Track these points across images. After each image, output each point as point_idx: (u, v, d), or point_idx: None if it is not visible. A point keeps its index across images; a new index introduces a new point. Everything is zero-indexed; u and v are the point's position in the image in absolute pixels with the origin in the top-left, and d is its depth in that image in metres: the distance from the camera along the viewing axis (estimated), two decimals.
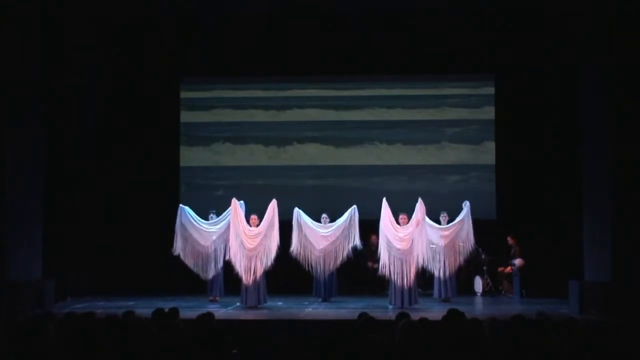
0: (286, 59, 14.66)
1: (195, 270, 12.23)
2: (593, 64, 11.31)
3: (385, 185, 14.74)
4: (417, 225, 11.61)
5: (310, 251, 12.18)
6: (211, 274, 12.24)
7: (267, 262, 11.68)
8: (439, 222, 12.58)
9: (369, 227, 13.60)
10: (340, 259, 12.19)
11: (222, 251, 12.14)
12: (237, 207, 11.77)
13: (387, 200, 11.95)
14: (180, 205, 12.63)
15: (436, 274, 12.35)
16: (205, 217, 12.53)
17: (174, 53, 14.61)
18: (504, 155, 14.61)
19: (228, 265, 12.24)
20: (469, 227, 12.35)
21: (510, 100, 14.51)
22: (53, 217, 12.42)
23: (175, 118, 15.07)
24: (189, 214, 12.30)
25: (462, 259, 12.46)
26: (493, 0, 13.51)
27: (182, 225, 12.23)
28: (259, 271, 11.68)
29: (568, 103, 12.93)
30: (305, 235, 12.10)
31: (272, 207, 11.75)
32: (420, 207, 11.66)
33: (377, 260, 12.09)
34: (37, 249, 11.61)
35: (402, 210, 12.03)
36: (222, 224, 12.18)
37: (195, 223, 12.25)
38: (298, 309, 11.66)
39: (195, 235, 12.21)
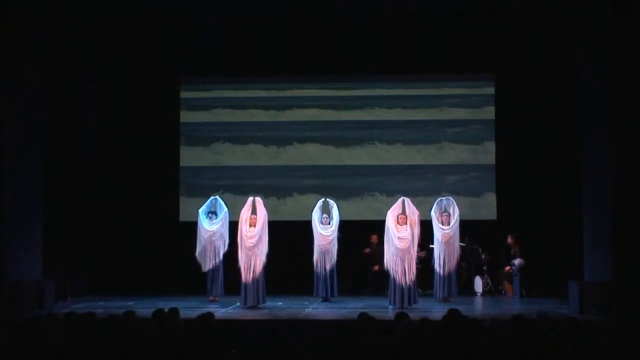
0: (286, 59, 14.66)
1: (198, 258, 12.34)
2: (593, 63, 11.31)
3: (385, 185, 14.76)
4: (412, 226, 11.64)
5: (314, 247, 12.36)
6: (207, 267, 12.35)
7: (264, 260, 11.76)
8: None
9: (369, 227, 13.66)
10: (335, 252, 12.29)
11: (220, 248, 12.30)
12: (250, 206, 11.88)
13: (388, 202, 11.98)
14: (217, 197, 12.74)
15: (437, 270, 12.37)
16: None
17: (174, 53, 14.61)
18: (504, 155, 14.62)
19: (228, 265, 12.28)
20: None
21: (510, 100, 14.51)
22: (53, 217, 12.42)
23: (175, 118, 15.08)
24: (205, 206, 12.52)
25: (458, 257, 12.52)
26: (494, 0, 13.52)
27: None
28: (258, 269, 11.72)
29: (568, 103, 12.93)
30: (313, 232, 12.33)
31: (260, 204, 11.89)
32: (408, 207, 11.71)
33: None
34: (37, 249, 11.59)
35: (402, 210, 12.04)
36: (220, 223, 12.34)
37: (200, 216, 12.41)
38: (298, 309, 11.66)
39: (200, 227, 12.39)
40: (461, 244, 12.80)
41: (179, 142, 15.08)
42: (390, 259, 11.69)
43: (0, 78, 10.95)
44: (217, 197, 12.75)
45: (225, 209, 12.44)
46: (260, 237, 11.76)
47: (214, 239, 12.31)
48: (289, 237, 13.16)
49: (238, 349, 6.28)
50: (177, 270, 13.76)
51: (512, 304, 12.62)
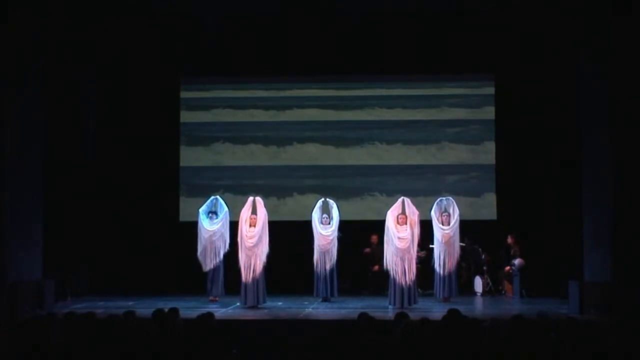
0: (286, 59, 14.66)
1: (199, 258, 12.32)
2: (593, 63, 11.31)
3: (385, 185, 14.76)
4: (412, 226, 11.63)
5: (314, 247, 12.34)
6: (208, 267, 12.34)
7: (264, 260, 11.77)
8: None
9: (370, 227, 13.66)
10: (335, 252, 12.28)
11: (221, 248, 12.31)
12: (250, 206, 11.87)
13: (388, 202, 11.97)
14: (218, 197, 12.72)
15: (437, 270, 12.36)
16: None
17: (174, 53, 14.61)
18: (504, 155, 14.62)
19: (228, 265, 12.28)
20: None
21: (510, 100, 14.51)
22: (53, 217, 12.42)
23: (175, 118, 15.08)
24: (205, 206, 12.51)
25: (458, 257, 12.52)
26: (494, 0, 13.52)
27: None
28: (258, 269, 11.73)
29: (568, 103, 12.93)
30: (313, 232, 12.31)
31: (261, 205, 11.89)
32: (408, 207, 11.71)
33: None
34: (37, 249, 11.60)
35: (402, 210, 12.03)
36: (220, 223, 12.34)
37: (201, 216, 12.41)
38: (298, 309, 11.65)
39: (200, 227, 12.38)
40: (461, 244, 12.81)
41: (179, 142, 15.08)
42: (390, 259, 11.69)
43: (0, 78, 10.95)
44: (218, 197, 12.75)
45: (226, 208, 12.45)
46: (260, 237, 11.77)
47: (214, 238, 12.31)
48: (289, 237, 13.15)
49: (238, 349, 6.29)
50: (177, 270, 13.76)
51: (512, 304, 12.62)
